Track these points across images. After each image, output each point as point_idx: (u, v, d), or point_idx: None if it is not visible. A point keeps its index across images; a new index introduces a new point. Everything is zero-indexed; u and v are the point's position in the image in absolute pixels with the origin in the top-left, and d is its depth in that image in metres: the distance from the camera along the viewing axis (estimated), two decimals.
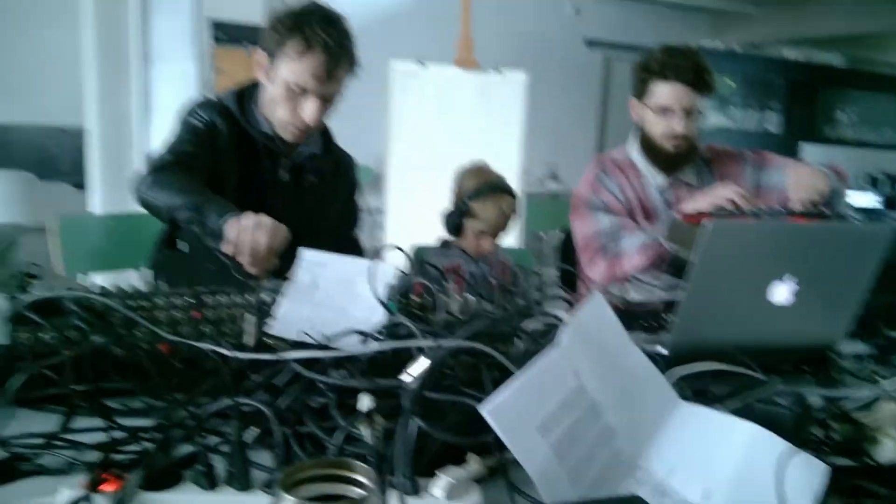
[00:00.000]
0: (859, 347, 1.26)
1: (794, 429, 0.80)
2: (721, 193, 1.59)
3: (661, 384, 0.85)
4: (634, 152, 1.88)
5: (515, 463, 0.64)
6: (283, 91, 1.49)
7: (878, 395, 0.96)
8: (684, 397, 0.88)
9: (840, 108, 5.14)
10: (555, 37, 5.13)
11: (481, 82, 3.82)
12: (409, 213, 3.39)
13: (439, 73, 3.75)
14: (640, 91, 1.78)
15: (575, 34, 5.18)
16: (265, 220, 1.18)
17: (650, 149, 1.82)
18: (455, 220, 1.93)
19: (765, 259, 1.08)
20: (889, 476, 0.79)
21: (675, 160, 1.82)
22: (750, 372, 0.97)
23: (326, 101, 1.52)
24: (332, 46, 1.46)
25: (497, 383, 0.71)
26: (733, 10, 5.57)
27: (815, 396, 0.94)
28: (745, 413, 0.82)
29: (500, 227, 1.93)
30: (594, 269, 1.80)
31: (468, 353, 0.84)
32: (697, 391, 0.96)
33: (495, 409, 0.65)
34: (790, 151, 4.72)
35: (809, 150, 4.79)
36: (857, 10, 4.99)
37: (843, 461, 0.82)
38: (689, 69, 1.70)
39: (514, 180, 3.84)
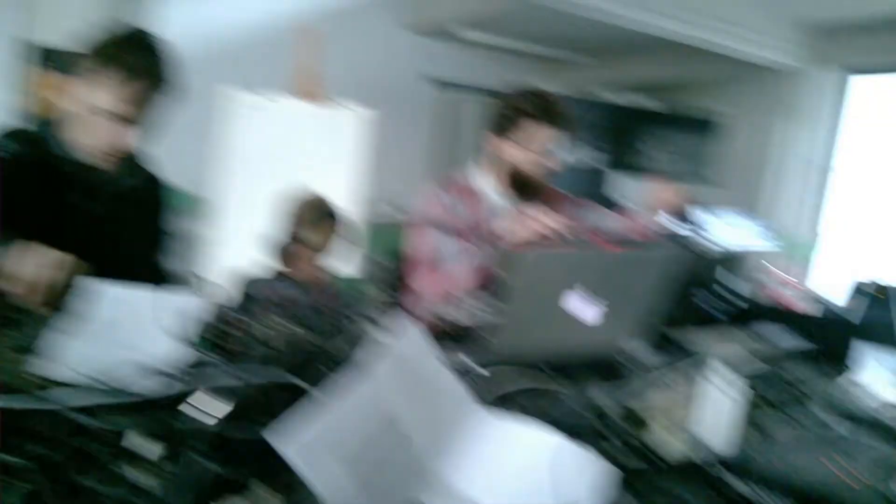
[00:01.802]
0: (645, 349, 1.38)
1: (593, 436, 0.87)
2: (543, 221, 1.68)
3: (470, 403, 0.88)
4: (480, 180, 1.97)
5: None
6: (94, 116, 1.41)
7: (649, 386, 1.05)
8: (495, 409, 0.91)
9: (648, 143, 5.71)
10: (402, 75, 5.26)
11: (326, 115, 3.82)
12: (239, 242, 3.29)
13: (280, 104, 3.71)
14: (508, 129, 1.89)
15: (421, 73, 5.33)
16: (48, 252, 1.12)
17: (512, 182, 1.92)
18: (287, 249, 1.90)
19: (575, 283, 1.16)
20: (674, 472, 0.87)
21: (529, 193, 1.93)
22: (554, 386, 1.03)
23: (138, 125, 1.46)
24: (148, 72, 1.41)
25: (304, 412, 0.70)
26: (564, 57, 6.03)
27: (601, 395, 1.02)
28: (547, 421, 0.87)
29: (328, 251, 1.93)
30: (423, 283, 1.84)
31: (279, 386, 0.83)
32: (507, 403, 1.00)
33: (293, 442, 0.63)
34: (605, 181, 5.19)
35: (630, 184, 5.25)
36: (671, 59, 5.59)
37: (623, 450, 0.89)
38: (560, 114, 1.87)
39: (357, 211, 3.88)
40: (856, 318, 1.82)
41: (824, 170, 5.62)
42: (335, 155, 3.86)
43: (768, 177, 5.56)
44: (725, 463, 0.81)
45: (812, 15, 5.01)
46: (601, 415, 0.93)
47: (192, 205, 3.65)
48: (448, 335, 1.34)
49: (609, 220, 2.06)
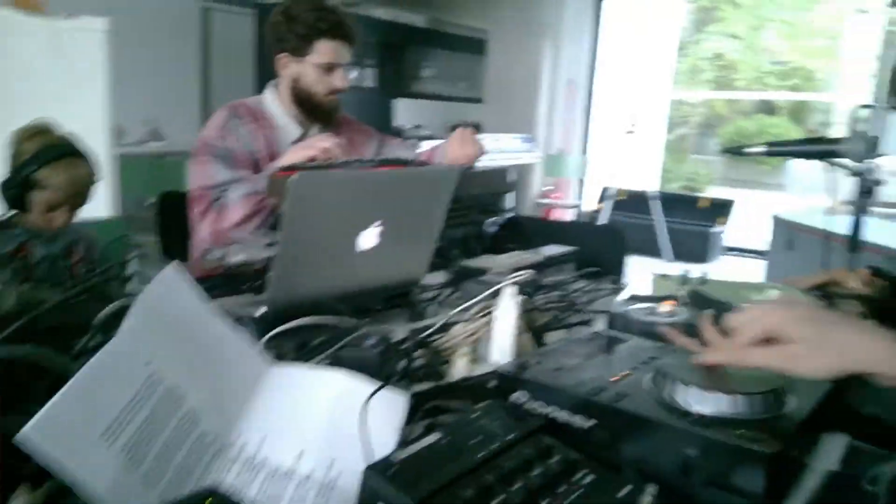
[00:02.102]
0: (440, 279, 1.39)
1: (381, 366, 0.84)
2: (316, 144, 1.60)
3: (248, 352, 0.80)
4: (272, 104, 1.83)
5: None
6: None
7: (450, 320, 1.06)
8: (282, 357, 0.85)
9: (424, 65, 5.69)
10: None
11: (49, 29, 3.24)
12: None
13: None
14: (300, 49, 1.75)
15: None
16: None
17: (303, 103, 1.80)
18: (15, 193, 1.60)
19: (351, 207, 1.10)
20: (459, 390, 0.88)
21: (323, 116, 1.83)
22: (341, 320, 0.98)
23: None
24: None
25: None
26: None
27: (401, 331, 1.00)
28: (336, 362, 0.82)
29: (74, 197, 1.66)
30: (203, 225, 1.69)
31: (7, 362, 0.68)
32: (297, 347, 0.94)
33: (34, 431, 0.53)
34: (384, 105, 5.09)
35: (401, 104, 5.23)
36: None
37: (425, 385, 0.89)
38: (347, 26, 1.76)
39: (101, 141, 3.40)
40: (605, 220, 2.02)
41: (588, 88, 6.11)
42: (69, 76, 3.31)
43: (534, 95, 5.92)
44: (507, 377, 0.84)
45: None
46: (397, 351, 0.90)
47: None
48: (231, 279, 1.22)
49: (397, 149, 2.04)
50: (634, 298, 1.18)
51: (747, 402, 0.72)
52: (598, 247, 1.75)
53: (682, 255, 5.32)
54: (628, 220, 5.44)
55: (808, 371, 0.64)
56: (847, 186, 1.83)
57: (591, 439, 0.75)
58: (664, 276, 1.38)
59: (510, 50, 5.91)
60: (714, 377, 0.77)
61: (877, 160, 1.59)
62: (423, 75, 5.69)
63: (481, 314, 1.06)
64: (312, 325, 0.98)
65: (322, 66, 1.76)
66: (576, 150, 6.00)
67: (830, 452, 0.80)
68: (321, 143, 1.61)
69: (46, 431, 0.54)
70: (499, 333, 1.00)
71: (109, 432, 0.58)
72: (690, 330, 1.01)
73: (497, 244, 1.78)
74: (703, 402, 0.73)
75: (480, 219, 1.84)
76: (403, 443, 0.69)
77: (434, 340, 1.01)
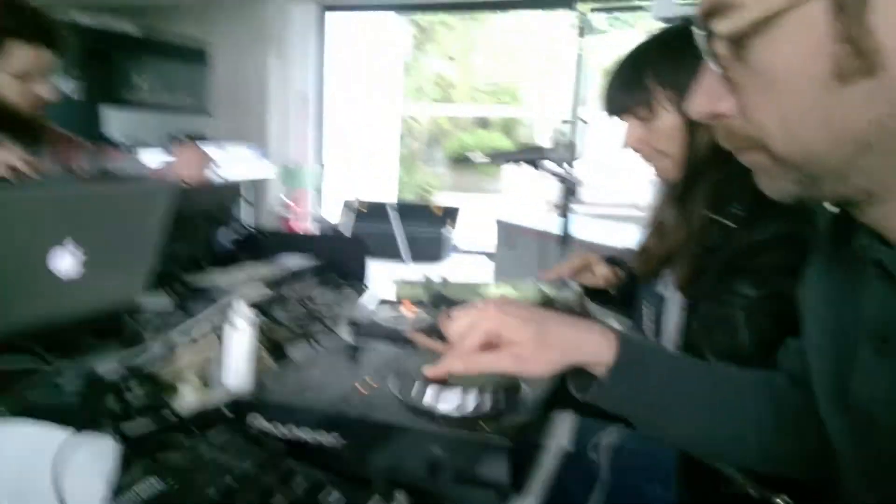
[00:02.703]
0: (162, 301, 1.24)
1: (82, 409, 0.70)
2: (1, 159, 1.36)
3: None
4: None
5: None
6: None
7: (172, 345, 0.94)
8: None
9: (137, 73, 5.20)
10: None
11: None
12: None
13: None
14: None
15: None
16: None
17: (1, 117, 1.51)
18: None
19: (44, 228, 0.92)
20: (187, 423, 0.77)
21: (24, 130, 1.56)
22: (31, 360, 0.81)
23: None
24: None
25: None
26: None
27: (112, 365, 0.86)
28: (25, 410, 0.67)
29: None
30: None
31: None
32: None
33: None
34: (91, 115, 4.55)
35: (111, 115, 4.72)
36: None
37: (145, 423, 0.76)
38: (50, 30, 1.52)
39: None
40: (348, 232, 2.00)
41: (319, 101, 6.06)
42: None
43: (265, 108, 5.72)
44: (243, 402, 0.76)
45: None
46: (105, 387, 0.77)
47: None
48: None
49: (112, 162, 1.81)
50: (379, 305, 1.17)
51: (489, 396, 0.73)
52: (341, 256, 1.72)
53: (419, 257, 5.58)
54: (371, 229, 5.55)
55: (535, 370, 0.66)
56: (554, 190, 2.03)
57: (339, 455, 0.71)
58: (406, 282, 1.39)
59: (236, 61, 5.67)
60: (457, 375, 0.78)
61: (575, 164, 1.79)
62: (137, 84, 5.18)
63: (211, 335, 0.95)
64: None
65: (17, 73, 1.50)
66: (311, 162, 5.95)
67: (561, 431, 0.86)
68: (5, 159, 1.36)
69: None
70: (231, 354, 0.90)
71: None
72: (434, 331, 1.03)
73: (233, 259, 1.66)
74: (446, 402, 0.72)
75: (212, 234, 1.70)
76: (117, 494, 0.58)
77: (154, 370, 0.89)
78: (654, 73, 0.98)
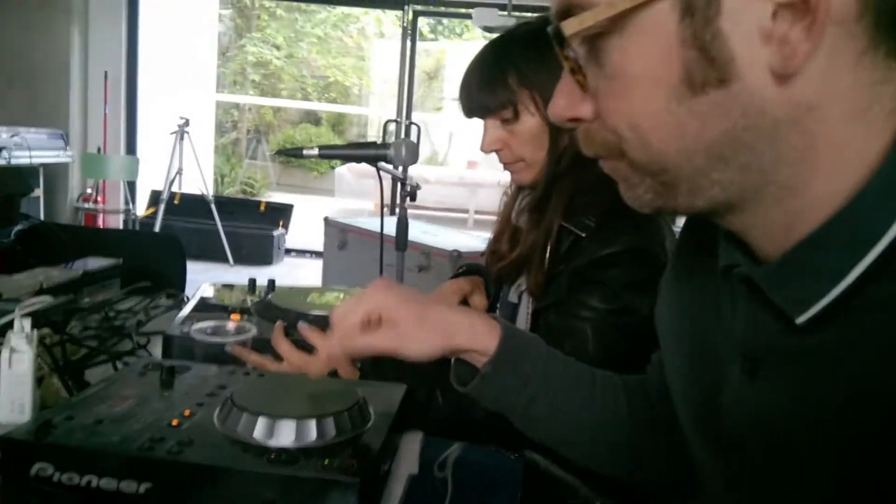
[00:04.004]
0: None
1: None
2: None
3: None
4: None
5: None
6: None
7: None
8: None
9: None
10: None
11: None
12: None
13: None
14: None
15: None
16: None
17: None
18: None
19: None
20: None
21: None
22: None
23: None
24: None
25: None
26: None
27: None
28: None
29: None
30: None
31: None
32: None
33: None
34: None
35: None
36: None
37: None
38: None
39: None
40: (159, 226, 1.79)
41: (129, 85, 5.49)
42: None
43: (65, 87, 5.07)
44: (23, 445, 0.62)
45: None
46: None
47: None
48: None
49: None
50: (196, 316, 1.03)
51: (331, 423, 0.65)
52: (152, 257, 1.54)
53: (246, 258, 5.25)
54: (185, 224, 5.12)
55: (414, 349, 0.64)
56: (386, 190, 1.97)
57: None
58: (229, 287, 1.26)
59: (29, 29, 4.98)
60: (294, 401, 0.69)
61: (412, 166, 1.74)
62: None
63: None
64: None
65: None
66: (121, 149, 5.39)
67: (408, 455, 0.80)
68: None
69: None
70: (7, 383, 0.74)
71: None
72: (263, 346, 0.92)
73: (15, 260, 1.41)
74: (281, 434, 0.63)
75: None
76: None
77: None
78: (516, 72, 0.94)
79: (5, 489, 0.62)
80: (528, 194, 1.02)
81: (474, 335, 0.66)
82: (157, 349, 1.01)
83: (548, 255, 0.93)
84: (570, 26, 0.41)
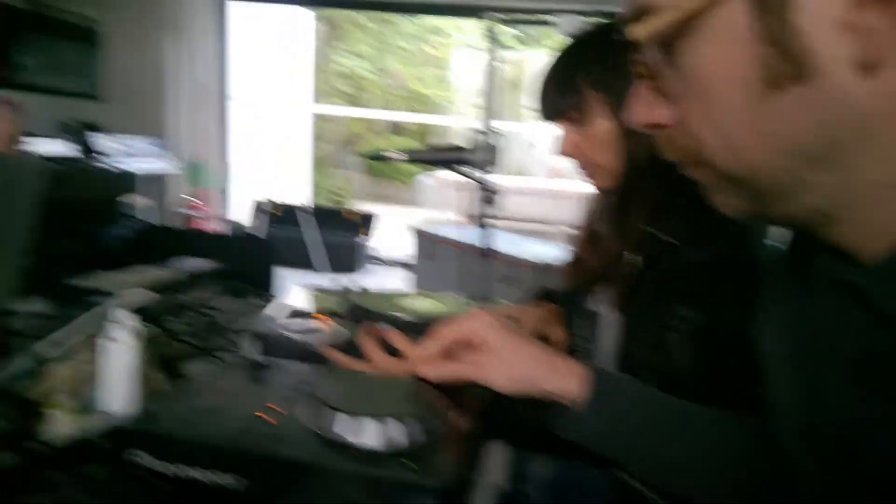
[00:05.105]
0: (37, 306, 1.08)
1: None
2: None
3: None
4: None
5: None
6: None
7: (41, 359, 0.80)
8: None
9: (20, 51, 4.77)
10: None
11: None
12: None
13: None
14: None
15: None
16: None
17: None
18: None
19: None
20: (60, 458, 0.65)
21: None
22: None
23: None
24: None
25: None
26: None
27: None
28: None
29: None
30: None
31: None
32: None
33: None
34: None
35: None
36: None
37: (5, 456, 0.63)
38: None
39: None
40: (262, 235, 1.85)
41: (222, 95, 5.75)
42: None
43: (161, 98, 5.37)
44: (125, 433, 0.64)
45: None
46: None
47: None
48: None
49: None
50: (287, 315, 1.06)
51: (417, 426, 0.64)
52: (247, 260, 1.59)
53: (332, 266, 5.39)
54: (283, 234, 5.32)
55: (500, 385, 0.65)
56: (470, 201, 1.97)
57: (240, 500, 0.60)
58: (321, 290, 1.28)
59: (130, 44, 5.29)
60: (381, 402, 0.69)
61: (494, 172, 1.73)
62: (20, 63, 4.75)
63: (89, 349, 0.82)
64: None
65: None
66: (216, 159, 5.65)
67: (493, 466, 0.79)
68: None
69: None
70: (112, 373, 0.77)
71: None
72: (351, 347, 0.92)
73: (122, 259, 1.49)
74: (368, 434, 0.63)
75: (99, 230, 1.53)
76: None
77: (18, 390, 0.75)
78: (587, 75, 0.92)
79: (111, 476, 0.64)
80: (607, 200, 0.99)
81: (561, 380, 0.66)
82: (248, 346, 1.04)
83: (632, 262, 0.90)
84: (642, 30, 0.40)
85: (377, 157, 1.60)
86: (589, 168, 0.98)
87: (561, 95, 0.95)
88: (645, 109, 0.44)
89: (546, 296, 1.18)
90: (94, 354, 0.80)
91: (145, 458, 0.62)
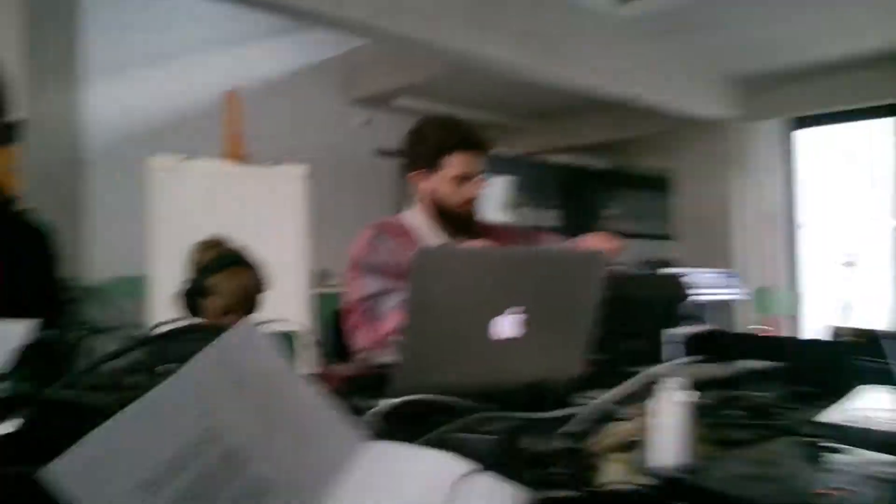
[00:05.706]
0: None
1: (497, 456, 0.66)
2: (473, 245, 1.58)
3: (338, 424, 0.67)
4: (412, 219, 1.88)
5: None
6: None
7: (600, 416, 0.86)
8: (388, 436, 0.71)
9: (606, 204, 5.62)
10: (344, 145, 5.17)
11: (256, 176, 3.65)
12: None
13: (201, 164, 3.51)
14: (433, 164, 1.80)
15: (364, 143, 5.24)
16: None
17: (443, 216, 1.84)
18: (192, 299, 1.68)
19: (484, 288, 0.98)
20: (602, 499, 0.67)
21: (464, 226, 1.84)
22: (460, 401, 0.83)
23: None
24: None
25: None
26: (503, 122, 6.03)
27: (533, 421, 0.82)
28: (441, 444, 0.67)
29: (244, 303, 1.71)
30: (357, 335, 1.70)
31: None
32: (404, 428, 0.79)
33: (61, 467, 0.45)
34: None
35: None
36: (611, 119, 5.62)
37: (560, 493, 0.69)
38: (475, 137, 1.81)
39: (301, 279, 3.64)
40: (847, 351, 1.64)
41: (790, 221, 5.61)
42: (273, 217, 3.66)
43: (728, 230, 5.53)
44: (666, 477, 0.62)
45: (744, 68, 5.10)
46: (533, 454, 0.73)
47: (135, 286, 3.38)
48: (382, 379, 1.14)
49: (544, 244, 1.96)
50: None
51: None
52: (818, 364, 1.43)
53: None
54: (866, 363, 4.66)
55: None
56: None
57: None
58: None
59: (698, 185, 5.65)
60: None
61: None
62: (606, 214, 5.59)
63: (643, 411, 0.84)
64: (428, 409, 0.83)
65: (455, 177, 1.78)
66: (785, 285, 5.40)
67: None
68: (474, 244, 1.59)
69: (75, 470, 0.45)
70: (663, 433, 0.77)
71: (149, 485, 0.48)
72: None
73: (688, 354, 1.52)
74: None
75: (657, 330, 1.61)
76: None
77: (581, 444, 0.81)
78: None
79: None
80: None
81: None
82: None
83: None
84: None
85: None
86: None
87: None
88: None
89: None
90: (646, 416, 0.82)
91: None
